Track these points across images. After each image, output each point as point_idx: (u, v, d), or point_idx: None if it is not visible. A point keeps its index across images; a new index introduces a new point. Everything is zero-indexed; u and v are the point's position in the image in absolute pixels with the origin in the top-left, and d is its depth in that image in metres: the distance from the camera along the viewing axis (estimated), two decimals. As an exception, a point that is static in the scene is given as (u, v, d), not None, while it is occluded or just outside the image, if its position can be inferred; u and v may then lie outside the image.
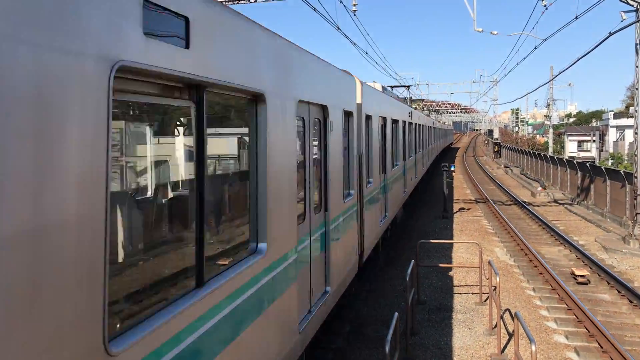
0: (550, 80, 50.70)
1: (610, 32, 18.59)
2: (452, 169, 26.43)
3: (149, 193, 3.89)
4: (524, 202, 28.53)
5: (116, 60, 2.79)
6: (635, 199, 19.14)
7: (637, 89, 18.87)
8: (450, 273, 14.65)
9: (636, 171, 19.15)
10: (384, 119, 14.10)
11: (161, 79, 3.42)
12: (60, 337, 2.36)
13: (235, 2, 20.84)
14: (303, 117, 6.76)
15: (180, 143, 4.16)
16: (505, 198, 31.43)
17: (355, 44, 22.91)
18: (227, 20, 4.29)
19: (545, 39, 23.91)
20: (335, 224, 8.13)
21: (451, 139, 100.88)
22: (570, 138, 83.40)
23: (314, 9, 17.59)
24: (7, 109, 2.10)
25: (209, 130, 4.06)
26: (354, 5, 23.55)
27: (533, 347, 6.96)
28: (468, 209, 26.60)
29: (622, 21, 18.75)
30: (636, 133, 19.10)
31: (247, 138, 5.10)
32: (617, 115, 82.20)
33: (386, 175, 14.25)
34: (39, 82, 2.27)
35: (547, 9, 20.89)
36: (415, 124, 22.77)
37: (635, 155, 19.19)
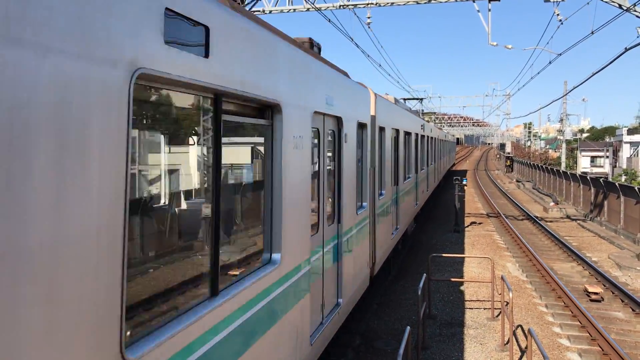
0: (564, 95, 50.45)
1: (626, 48, 18.47)
2: (464, 182, 26.29)
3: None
4: (536, 217, 28.30)
5: (136, 68, 2.82)
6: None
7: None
8: (462, 287, 14.52)
9: (651, 188, 18.93)
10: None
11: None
12: (80, 341, 2.41)
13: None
14: (318, 129, 6.93)
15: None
16: (517, 213, 31.20)
17: (369, 56, 23.03)
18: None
19: (560, 54, 23.82)
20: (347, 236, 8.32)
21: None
22: (583, 153, 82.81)
23: (329, 20, 17.65)
24: (30, 114, 2.13)
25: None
26: (368, 17, 23.61)
27: (547, 365, 6.85)
28: (480, 223, 26.43)
29: (638, 37, 18.62)
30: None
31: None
32: (630, 131, 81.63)
33: (398, 188, 14.15)
34: (63, 88, 2.30)
35: (562, 23, 20.80)
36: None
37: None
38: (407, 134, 16.27)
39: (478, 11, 20.72)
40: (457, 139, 71.10)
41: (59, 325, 2.27)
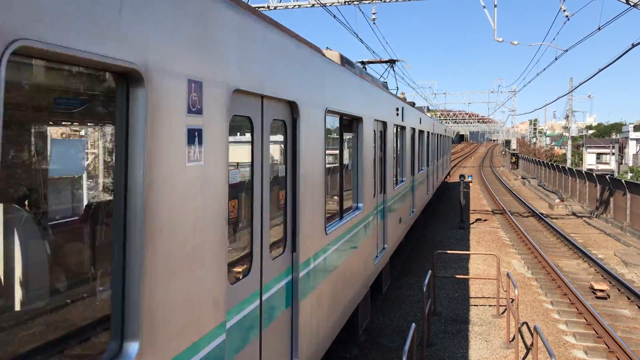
0: (569, 92, 50.23)
1: (633, 44, 18.35)
2: (470, 179, 26.23)
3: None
4: (542, 214, 28.22)
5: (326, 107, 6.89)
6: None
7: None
8: (467, 284, 14.50)
9: (658, 185, 18.82)
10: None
11: None
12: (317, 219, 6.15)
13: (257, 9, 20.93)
14: (374, 129, 10.16)
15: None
16: (523, 209, 31.12)
17: (373, 52, 22.94)
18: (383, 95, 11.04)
19: (566, 50, 23.68)
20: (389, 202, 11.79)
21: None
22: (589, 150, 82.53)
23: (334, 16, 17.61)
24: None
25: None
26: (373, 13, 23.58)
27: (553, 362, 6.82)
28: (485, 220, 26.38)
29: (645, 33, 18.48)
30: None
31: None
32: (637, 128, 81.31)
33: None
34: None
35: (568, 19, 20.68)
36: None
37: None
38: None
39: (484, 7, 20.65)
40: (462, 135, 70.73)
41: (319, 208, 6.18)
